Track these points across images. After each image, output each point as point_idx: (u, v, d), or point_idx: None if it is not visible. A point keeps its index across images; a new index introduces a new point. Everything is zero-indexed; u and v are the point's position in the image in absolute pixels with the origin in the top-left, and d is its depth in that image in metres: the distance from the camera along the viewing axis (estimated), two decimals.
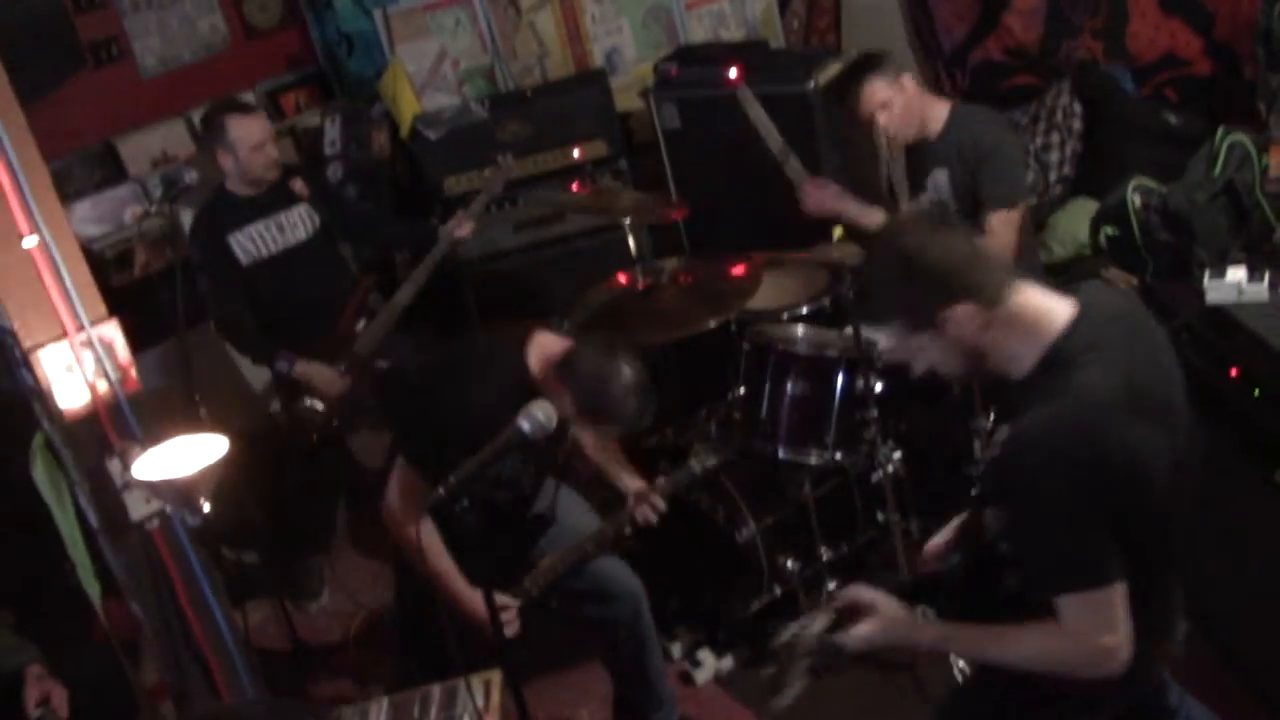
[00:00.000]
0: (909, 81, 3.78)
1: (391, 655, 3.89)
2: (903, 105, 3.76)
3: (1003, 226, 3.68)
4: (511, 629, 3.12)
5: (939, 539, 2.50)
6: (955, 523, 2.47)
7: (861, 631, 2.25)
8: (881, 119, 3.79)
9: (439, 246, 4.29)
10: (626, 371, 2.90)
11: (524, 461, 3.24)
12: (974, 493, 2.55)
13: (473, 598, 3.05)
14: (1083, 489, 2.00)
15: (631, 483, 3.43)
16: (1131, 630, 2.05)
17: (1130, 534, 2.05)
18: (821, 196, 3.97)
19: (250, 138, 4.12)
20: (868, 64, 3.80)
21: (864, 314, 2.24)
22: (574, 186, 4.54)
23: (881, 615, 2.26)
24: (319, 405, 4.18)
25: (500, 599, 3.09)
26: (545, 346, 3.05)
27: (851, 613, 2.29)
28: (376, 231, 4.78)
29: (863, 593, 2.30)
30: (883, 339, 2.24)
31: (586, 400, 2.91)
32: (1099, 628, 2.04)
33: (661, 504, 3.37)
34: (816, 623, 2.31)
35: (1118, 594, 2.03)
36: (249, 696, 3.02)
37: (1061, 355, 2.08)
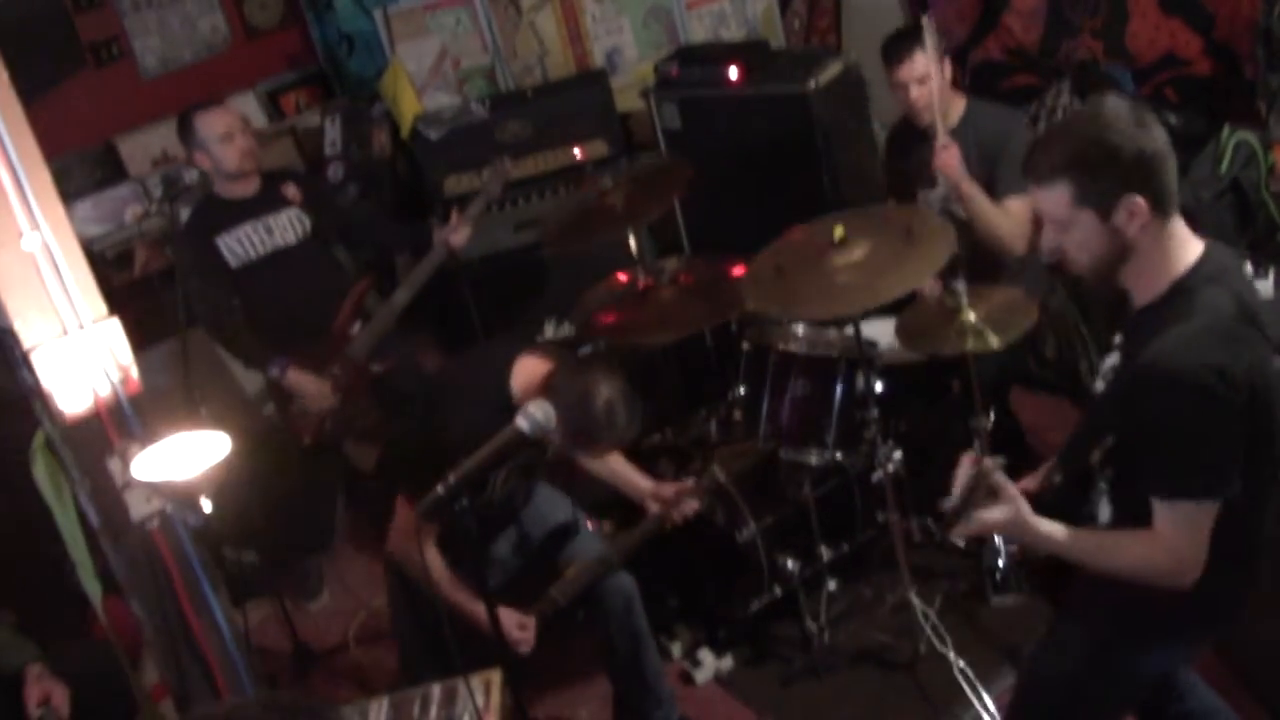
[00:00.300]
0: (948, 67, 3.84)
1: (392, 654, 3.90)
2: (938, 86, 3.81)
3: (1022, 210, 3.74)
4: (528, 646, 3.14)
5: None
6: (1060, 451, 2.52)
7: (992, 515, 2.26)
8: (914, 92, 3.83)
9: (436, 251, 4.29)
10: (605, 390, 2.86)
11: (516, 474, 3.24)
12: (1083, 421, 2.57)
13: (500, 617, 3.06)
14: (1221, 402, 2.08)
15: (643, 483, 3.43)
16: (1206, 551, 2.16)
17: (1253, 454, 2.15)
18: (949, 157, 3.83)
19: (215, 129, 4.10)
20: (920, 34, 3.81)
21: (1039, 162, 2.21)
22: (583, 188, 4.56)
23: (1012, 504, 2.26)
24: (312, 412, 4.18)
25: (520, 618, 3.12)
26: (528, 370, 3.03)
27: (989, 490, 2.29)
28: (372, 234, 4.78)
29: (1004, 481, 2.29)
30: (1041, 196, 2.22)
31: (570, 425, 2.85)
32: (1185, 540, 2.16)
33: (694, 504, 3.40)
34: (995, 461, 2.31)
35: (1211, 513, 2.15)
36: (249, 695, 3.01)
37: (1188, 283, 2.18)
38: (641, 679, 3.45)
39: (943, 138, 3.79)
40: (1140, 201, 2.14)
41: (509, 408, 2.89)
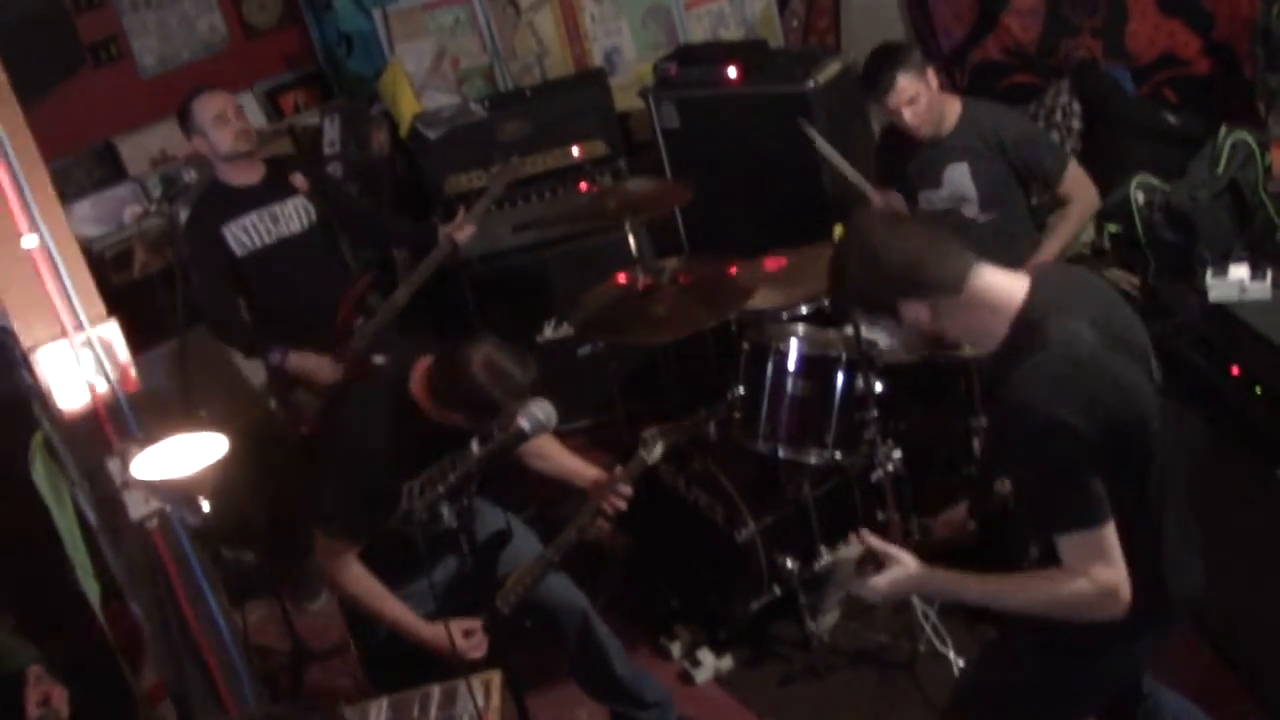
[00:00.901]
0: (932, 77, 3.83)
1: None
2: (928, 101, 3.81)
3: (1081, 176, 3.86)
4: (479, 651, 3.10)
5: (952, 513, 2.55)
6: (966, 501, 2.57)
7: (882, 582, 2.34)
8: (907, 115, 3.83)
9: (439, 249, 4.28)
10: (478, 351, 2.86)
11: (467, 493, 3.21)
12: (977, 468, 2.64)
13: (435, 632, 3.06)
14: (1069, 436, 2.09)
15: (587, 472, 3.41)
16: (1126, 569, 2.15)
17: (1128, 468, 2.17)
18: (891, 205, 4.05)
19: (208, 112, 4.08)
20: (895, 56, 3.83)
21: (831, 296, 2.37)
22: (581, 186, 4.54)
23: (901, 565, 2.34)
24: (312, 398, 4.18)
25: (464, 623, 3.09)
26: (421, 375, 3.01)
27: (875, 561, 2.38)
28: (376, 229, 4.77)
29: (884, 546, 2.38)
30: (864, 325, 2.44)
31: (467, 402, 2.87)
32: (1098, 564, 2.14)
33: (627, 490, 3.32)
34: (852, 549, 2.41)
35: (1108, 533, 2.14)
36: (248, 696, 3.01)
37: (1028, 319, 2.20)
38: (619, 689, 3.44)
39: (888, 193, 3.99)
40: (915, 305, 2.25)
41: (416, 417, 2.94)
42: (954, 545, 2.51)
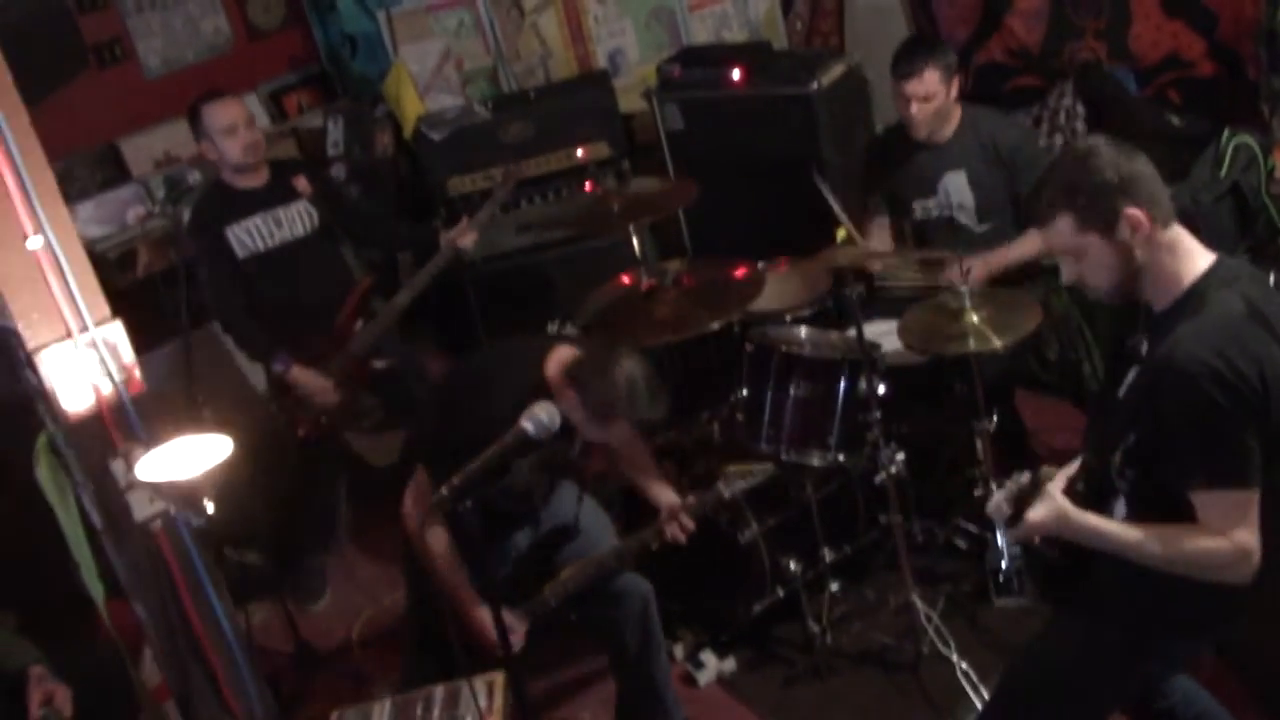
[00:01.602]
0: (955, 86, 3.82)
1: (395, 655, 3.90)
2: (939, 106, 3.82)
3: None
4: (516, 645, 3.12)
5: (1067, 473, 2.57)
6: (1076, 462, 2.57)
7: (1035, 514, 2.37)
8: (914, 108, 3.83)
9: (441, 254, 4.28)
10: (628, 365, 2.96)
11: (540, 471, 3.25)
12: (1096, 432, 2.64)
13: (481, 616, 3.08)
14: (1232, 389, 2.15)
15: (665, 497, 3.42)
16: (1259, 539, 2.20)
17: (1270, 450, 2.21)
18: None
19: (219, 122, 4.10)
20: (934, 49, 3.85)
21: (1037, 207, 2.36)
22: (587, 186, 4.55)
23: (1052, 500, 2.37)
24: (309, 405, 4.19)
25: (510, 618, 3.10)
26: (560, 356, 3.10)
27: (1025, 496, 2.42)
28: (378, 231, 4.78)
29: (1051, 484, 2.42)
30: (1049, 234, 2.36)
31: (592, 398, 2.96)
32: (1240, 526, 2.19)
33: (691, 524, 3.36)
34: (1016, 480, 2.46)
35: (1255, 499, 2.19)
36: (251, 697, 3.02)
37: (1199, 288, 2.28)
38: (651, 686, 3.44)
39: None
40: (1138, 212, 2.24)
41: (539, 390, 2.97)
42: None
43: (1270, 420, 2.20)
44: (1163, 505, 2.27)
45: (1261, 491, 2.21)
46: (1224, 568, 2.22)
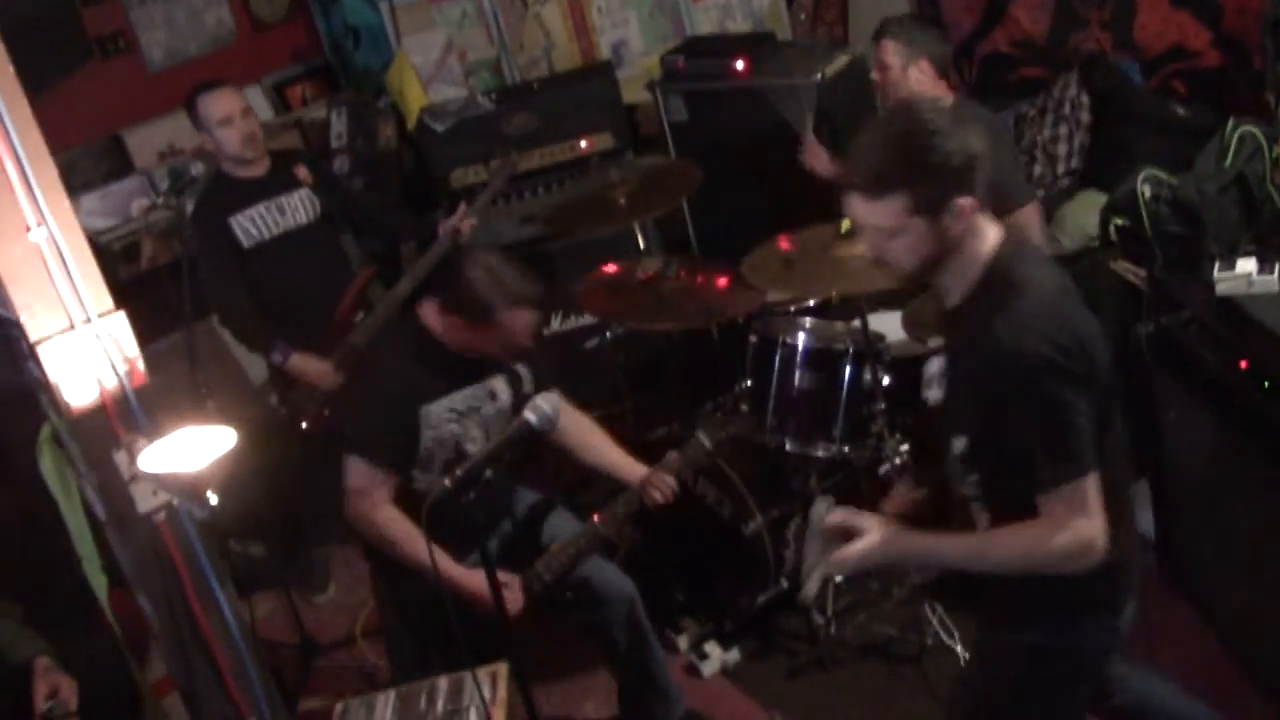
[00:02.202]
0: (927, 68, 3.78)
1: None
2: (895, 81, 3.78)
3: (1036, 218, 3.76)
4: (516, 605, 3.11)
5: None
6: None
7: (851, 553, 2.30)
8: (876, 75, 3.88)
9: (440, 242, 4.28)
10: (480, 257, 3.12)
11: (508, 471, 3.31)
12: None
13: (470, 577, 3.05)
14: (1067, 374, 2.09)
15: (634, 469, 3.42)
16: (1105, 520, 2.13)
17: (1104, 413, 2.16)
18: (815, 154, 4.12)
19: (215, 113, 4.09)
20: (904, 23, 3.88)
21: (864, 170, 2.15)
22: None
23: (868, 535, 2.30)
24: (310, 396, 4.18)
25: (502, 575, 3.09)
26: (427, 304, 3.21)
27: (845, 535, 2.34)
28: (378, 222, 4.77)
29: (848, 517, 2.35)
30: (870, 208, 2.17)
31: (466, 306, 3.05)
32: (1080, 515, 2.12)
33: (672, 481, 3.34)
34: (819, 507, 2.41)
35: (1094, 479, 2.12)
36: (256, 689, 3.02)
37: (999, 265, 2.18)
38: (648, 678, 3.45)
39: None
40: (970, 201, 2.14)
41: (428, 345, 3.14)
42: (917, 518, 2.47)
43: (1098, 388, 2.14)
44: (1017, 502, 2.19)
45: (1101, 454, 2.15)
46: (1069, 559, 2.14)
